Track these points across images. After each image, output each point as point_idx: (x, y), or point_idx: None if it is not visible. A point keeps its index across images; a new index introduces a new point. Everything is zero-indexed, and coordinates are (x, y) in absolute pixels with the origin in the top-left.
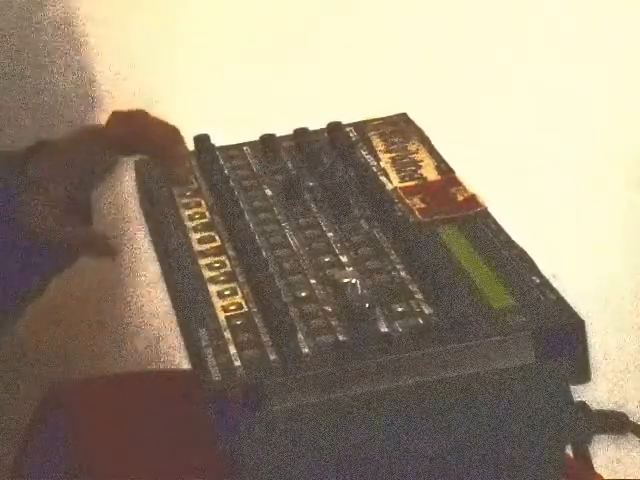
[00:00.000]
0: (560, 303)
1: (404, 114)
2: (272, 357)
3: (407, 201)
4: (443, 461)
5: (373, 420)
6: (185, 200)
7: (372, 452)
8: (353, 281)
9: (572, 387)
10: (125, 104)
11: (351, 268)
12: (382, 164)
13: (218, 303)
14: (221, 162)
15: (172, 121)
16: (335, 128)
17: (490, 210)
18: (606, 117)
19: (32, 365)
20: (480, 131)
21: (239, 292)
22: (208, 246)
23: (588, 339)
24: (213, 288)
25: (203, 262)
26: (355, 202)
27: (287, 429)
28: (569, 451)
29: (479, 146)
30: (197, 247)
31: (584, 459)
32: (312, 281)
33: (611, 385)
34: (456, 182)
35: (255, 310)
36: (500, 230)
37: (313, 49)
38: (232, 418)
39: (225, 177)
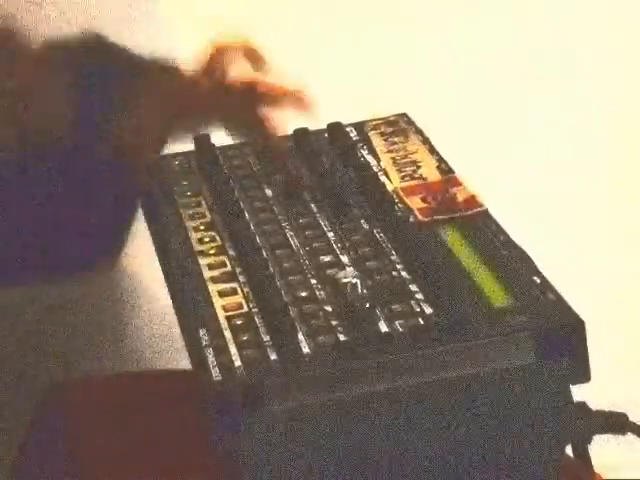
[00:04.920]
0: (560, 303)
1: (404, 114)
2: (272, 357)
3: (407, 201)
4: (443, 461)
5: (373, 420)
6: (185, 200)
7: (372, 452)
8: (353, 281)
9: (572, 387)
10: None
11: (351, 268)
12: (382, 164)
13: (218, 303)
14: (221, 162)
15: None
16: (335, 128)
17: (490, 210)
18: (607, 116)
19: (32, 365)
20: (480, 131)
21: (239, 292)
22: (208, 246)
23: (588, 339)
24: (213, 288)
25: (203, 262)
26: (355, 202)
27: (287, 429)
28: (569, 451)
29: (479, 146)
30: (197, 247)
31: (584, 459)
32: (312, 281)
33: (611, 385)
34: (456, 182)
35: (255, 310)
36: (500, 230)
37: (313, 49)
38: (232, 418)
39: (225, 177)
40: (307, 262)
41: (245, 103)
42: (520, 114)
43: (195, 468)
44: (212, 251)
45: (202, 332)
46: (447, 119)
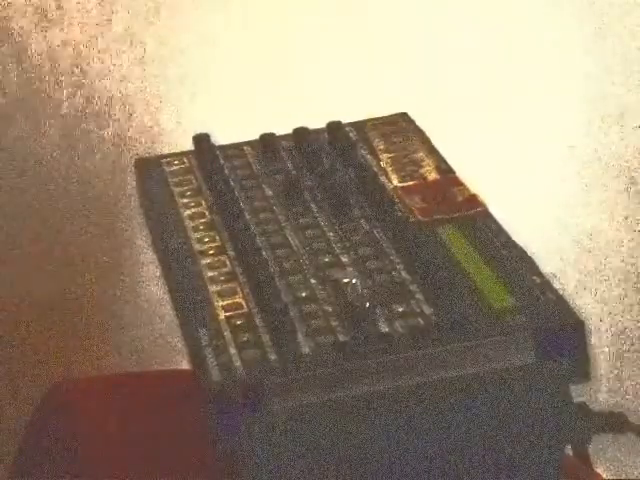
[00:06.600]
0: (560, 303)
1: (404, 114)
2: (272, 357)
3: (407, 201)
4: (443, 461)
5: (373, 420)
6: (185, 200)
7: (372, 452)
8: (353, 281)
9: (572, 387)
10: (125, 103)
11: (351, 268)
12: (382, 164)
13: (218, 303)
14: (221, 162)
15: (172, 120)
16: (335, 128)
17: (490, 210)
18: (606, 116)
19: (32, 365)
20: (480, 131)
21: (239, 292)
22: (208, 246)
23: (588, 339)
24: (213, 288)
25: (203, 262)
26: (355, 202)
27: (287, 429)
28: (569, 451)
29: (479, 146)
30: (197, 247)
31: (584, 459)
32: (312, 281)
33: (611, 385)
34: (456, 182)
35: (255, 310)
36: (500, 230)
37: (313, 48)
38: (232, 418)
39: (225, 177)
40: (307, 262)
41: None
42: (521, 114)
43: (195, 468)
44: (212, 251)
45: (202, 332)
46: (447, 119)
